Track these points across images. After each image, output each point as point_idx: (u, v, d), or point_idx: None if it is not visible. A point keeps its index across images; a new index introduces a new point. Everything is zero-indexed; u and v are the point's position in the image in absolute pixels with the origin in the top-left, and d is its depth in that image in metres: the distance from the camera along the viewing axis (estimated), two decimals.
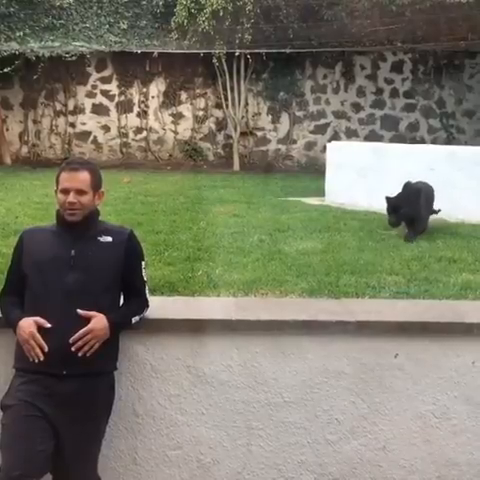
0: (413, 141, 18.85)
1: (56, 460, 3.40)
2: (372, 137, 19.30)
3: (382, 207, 10.80)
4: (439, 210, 10.06)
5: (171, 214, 10.48)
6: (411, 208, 9.58)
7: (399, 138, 19.28)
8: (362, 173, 12.12)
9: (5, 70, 16.80)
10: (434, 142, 19.20)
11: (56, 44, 17.64)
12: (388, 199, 9.79)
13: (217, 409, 3.90)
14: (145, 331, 3.78)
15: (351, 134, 19.70)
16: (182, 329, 3.86)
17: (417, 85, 19.94)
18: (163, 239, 8.47)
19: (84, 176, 3.56)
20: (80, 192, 3.52)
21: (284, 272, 7.27)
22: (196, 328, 3.86)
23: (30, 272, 3.52)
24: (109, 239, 3.58)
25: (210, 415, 3.91)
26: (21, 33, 17.50)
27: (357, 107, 19.87)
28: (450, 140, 19.58)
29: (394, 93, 19.92)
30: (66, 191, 3.53)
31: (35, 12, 17.86)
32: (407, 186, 9.98)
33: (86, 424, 3.47)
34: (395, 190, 11.62)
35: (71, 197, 3.51)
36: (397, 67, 19.88)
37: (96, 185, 3.61)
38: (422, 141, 19.31)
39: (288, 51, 17.97)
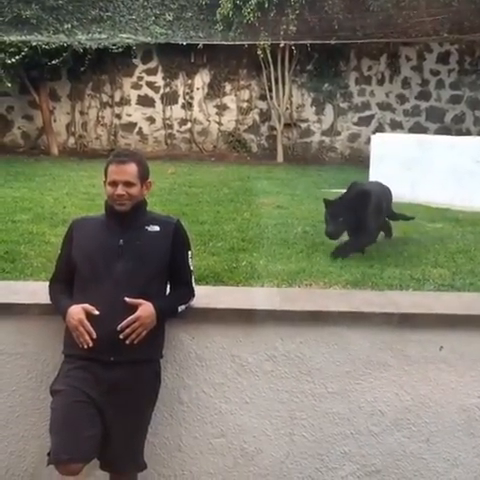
0: (459, 133, 18.60)
1: (103, 446, 3.46)
2: (417, 129, 19.09)
3: (427, 200, 10.74)
4: (412, 217, 8.90)
5: (215, 205, 10.54)
6: (355, 215, 7.79)
7: (445, 130, 19.04)
8: (406, 165, 12.04)
9: (53, 62, 16.97)
10: None
11: (103, 36, 17.77)
12: (326, 202, 7.98)
13: (261, 398, 3.93)
14: (190, 320, 3.83)
15: (396, 126, 19.51)
16: (227, 318, 3.89)
17: (464, 76, 19.63)
18: (207, 230, 8.54)
19: (132, 168, 3.60)
20: (128, 184, 3.57)
21: (328, 263, 7.28)
22: (240, 318, 3.89)
23: (79, 260, 3.59)
24: (157, 228, 3.63)
25: (254, 404, 3.94)
26: (69, 25, 17.66)
27: (402, 99, 19.66)
28: None
29: (440, 84, 19.66)
30: (114, 183, 3.58)
31: (83, 4, 18.02)
32: (353, 188, 8.21)
33: (132, 410, 3.53)
34: (440, 183, 11.53)
35: (119, 189, 3.56)
36: (443, 58, 19.61)
37: (143, 176, 3.66)
38: (468, 133, 19.03)
39: (333, 42, 17.82)
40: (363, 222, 7.76)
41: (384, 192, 8.62)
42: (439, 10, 16.99)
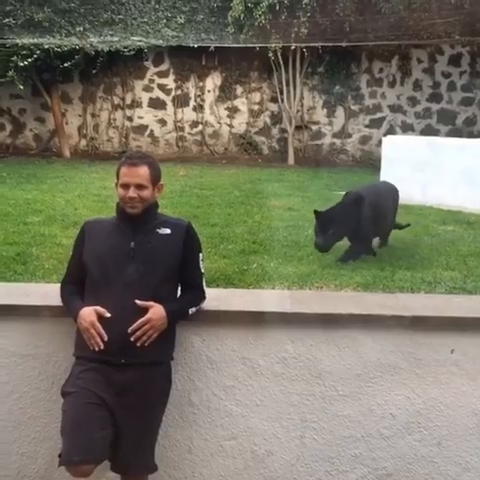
0: (470, 135, 18.52)
1: (114, 447, 3.47)
2: (428, 131, 19.05)
3: (438, 202, 10.70)
4: (407, 225, 8.60)
5: (226, 207, 10.55)
6: (348, 225, 7.60)
7: (456, 132, 18.99)
8: (418, 168, 12.02)
9: (65, 65, 17.02)
10: None
11: (115, 39, 17.82)
12: (317, 214, 7.71)
13: (271, 401, 3.93)
14: (201, 322, 3.82)
15: (407, 128, 19.47)
16: (237, 321, 3.88)
17: (475, 78, 19.57)
18: (218, 232, 8.55)
19: (144, 171, 3.60)
20: (140, 187, 3.58)
21: (339, 266, 7.28)
22: (251, 320, 3.88)
23: (91, 262, 3.60)
24: (168, 231, 3.63)
25: (265, 407, 3.93)
26: (81, 28, 17.72)
27: (413, 101, 19.61)
28: None
29: (451, 87, 19.61)
30: (126, 186, 3.58)
31: (95, 7, 18.08)
32: (345, 196, 8.00)
33: (143, 412, 3.53)
34: (451, 185, 11.49)
35: (131, 192, 3.56)
36: (455, 60, 19.54)
37: (155, 178, 3.66)
38: (479, 135, 18.99)
39: (344, 44, 17.82)
40: (359, 229, 7.63)
41: (387, 192, 8.49)
42: (451, 12, 16.93)
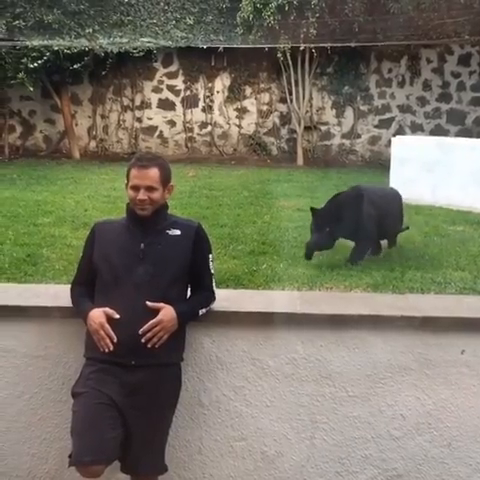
0: None
1: (124, 448, 3.47)
2: (438, 131, 19.01)
3: (448, 202, 10.66)
4: (406, 228, 8.33)
5: (235, 208, 10.56)
6: (346, 222, 7.38)
7: (465, 132, 18.93)
8: (427, 168, 11.99)
9: (75, 66, 17.07)
10: None
11: (124, 40, 17.86)
12: (313, 211, 7.55)
13: (281, 402, 3.92)
14: (211, 323, 3.82)
15: (416, 128, 19.43)
16: (247, 322, 3.88)
17: None
18: (228, 233, 8.56)
19: (154, 173, 3.60)
20: (150, 189, 3.57)
21: (348, 267, 7.27)
22: (261, 321, 3.88)
23: (101, 264, 3.60)
24: (178, 232, 3.63)
25: (274, 407, 3.93)
26: (90, 30, 17.75)
27: (423, 101, 19.58)
28: None
29: (461, 86, 19.56)
30: (136, 188, 3.58)
31: (104, 9, 18.13)
32: (343, 193, 7.80)
33: (153, 413, 3.53)
34: (461, 185, 11.46)
35: (141, 194, 3.56)
36: (464, 60, 19.50)
37: (165, 180, 3.66)
38: None
39: (353, 45, 17.81)
40: (361, 227, 7.51)
41: (388, 194, 8.41)
42: (460, 12, 16.89)
